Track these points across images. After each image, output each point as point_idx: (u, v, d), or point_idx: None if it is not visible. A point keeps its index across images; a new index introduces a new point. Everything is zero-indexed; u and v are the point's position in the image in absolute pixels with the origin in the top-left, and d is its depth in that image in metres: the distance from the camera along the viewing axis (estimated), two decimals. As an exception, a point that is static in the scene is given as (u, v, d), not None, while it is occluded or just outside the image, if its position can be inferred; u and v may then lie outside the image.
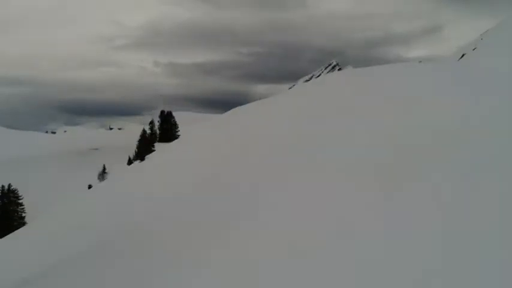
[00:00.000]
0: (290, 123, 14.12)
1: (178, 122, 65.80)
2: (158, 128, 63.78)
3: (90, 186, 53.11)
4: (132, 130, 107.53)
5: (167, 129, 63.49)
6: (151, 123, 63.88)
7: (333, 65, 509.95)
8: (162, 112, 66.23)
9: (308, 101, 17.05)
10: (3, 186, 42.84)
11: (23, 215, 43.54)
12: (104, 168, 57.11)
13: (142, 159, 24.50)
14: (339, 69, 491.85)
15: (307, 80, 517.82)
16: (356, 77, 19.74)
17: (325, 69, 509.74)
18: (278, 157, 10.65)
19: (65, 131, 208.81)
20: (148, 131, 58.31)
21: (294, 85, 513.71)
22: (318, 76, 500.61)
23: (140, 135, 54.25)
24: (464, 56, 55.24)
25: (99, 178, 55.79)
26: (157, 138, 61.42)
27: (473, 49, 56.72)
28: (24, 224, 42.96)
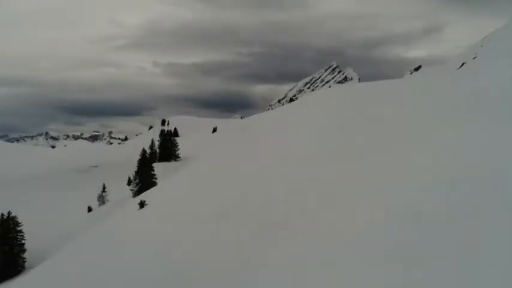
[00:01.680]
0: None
1: (177, 127, 65.19)
2: (158, 146, 63.49)
3: (90, 209, 52.64)
4: (132, 145, 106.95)
5: (167, 147, 63.25)
6: (152, 142, 63.62)
7: (333, 66, 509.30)
8: (162, 131, 65.91)
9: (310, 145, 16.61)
10: (2, 215, 42.45)
11: (23, 241, 43.06)
12: (104, 188, 56.60)
13: (141, 205, 24.10)
14: (339, 72, 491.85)
15: (307, 82, 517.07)
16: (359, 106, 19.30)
17: (325, 71, 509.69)
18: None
19: (65, 145, 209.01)
20: (148, 151, 57.96)
21: (294, 87, 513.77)
22: (318, 78, 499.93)
23: (140, 155, 53.84)
24: (464, 65, 54.79)
25: (98, 200, 55.26)
26: (157, 158, 61.18)
27: (474, 58, 56.30)
28: (24, 251, 42.56)
